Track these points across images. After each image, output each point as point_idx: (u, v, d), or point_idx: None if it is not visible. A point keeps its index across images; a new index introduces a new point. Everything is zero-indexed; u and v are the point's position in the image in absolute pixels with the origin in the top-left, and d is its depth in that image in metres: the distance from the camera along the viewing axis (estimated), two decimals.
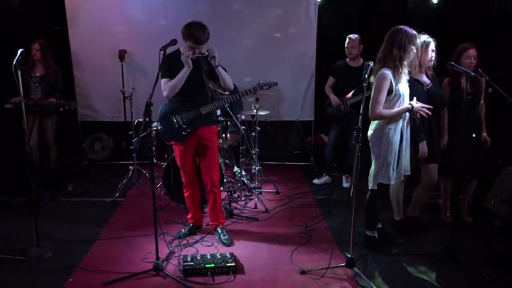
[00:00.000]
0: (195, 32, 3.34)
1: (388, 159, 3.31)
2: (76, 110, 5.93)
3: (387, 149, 3.30)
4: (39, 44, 4.85)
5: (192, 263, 3.21)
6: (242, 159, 4.80)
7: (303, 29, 5.93)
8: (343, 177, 5.31)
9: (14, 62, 3.24)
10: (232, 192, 4.58)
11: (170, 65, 3.44)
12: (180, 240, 3.71)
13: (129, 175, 5.01)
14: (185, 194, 3.81)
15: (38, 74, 4.94)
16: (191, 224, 3.88)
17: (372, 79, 3.28)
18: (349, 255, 3.21)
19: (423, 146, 3.48)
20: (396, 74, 3.21)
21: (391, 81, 3.19)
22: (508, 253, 3.48)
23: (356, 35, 4.89)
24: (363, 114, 3.08)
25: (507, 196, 3.59)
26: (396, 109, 3.23)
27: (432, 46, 3.50)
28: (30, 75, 4.92)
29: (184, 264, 3.21)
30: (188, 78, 3.44)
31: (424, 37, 3.48)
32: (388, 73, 3.19)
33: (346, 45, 4.93)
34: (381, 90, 3.20)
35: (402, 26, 3.21)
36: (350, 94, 4.85)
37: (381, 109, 3.21)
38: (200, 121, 3.56)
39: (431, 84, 3.53)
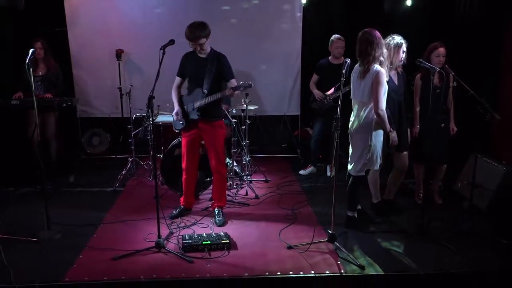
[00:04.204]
0: (186, 31, 3.77)
1: (378, 147, 3.70)
2: (75, 106, 6.22)
3: (377, 139, 3.68)
4: (41, 43, 5.02)
5: (190, 241, 3.56)
6: (233, 150, 5.16)
7: (289, 29, 6.31)
8: (327, 167, 5.71)
9: (27, 61, 3.56)
10: None
11: (182, 64, 3.98)
12: (179, 222, 4.08)
13: (128, 166, 5.35)
14: (183, 178, 4.19)
15: (40, 73, 5.13)
16: (182, 206, 4.25)
17: (359, 76, 3.64)
18: (330, 231, 3.61)
19: (393, 135, 3.87)
20: (385, 71, 3.60)
21: None
22: (472, 229, 3.87)
23: (341, 36, 5.27)
24: (341, 105, 3.48)
25: (471, 180, 4.00)
26: (387, 121, 3.62)
27: (404, 47, 3.89)
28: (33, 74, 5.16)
29: (183, 241, 3.56)
30: (194, 73, 3.90)
31: (398, 39, 3.87)
32: (382, 69, 3.56)
33: (333, 45, 5.26)
34: (384, 85, 3.54)
35: (371, 29, 3.60)
36: (332, 90, 5.23)
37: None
38: (194, 114, 3.93)
39: None
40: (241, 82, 3.87)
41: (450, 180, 4.81)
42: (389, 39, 3.84)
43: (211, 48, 3.94)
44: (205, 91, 3.87)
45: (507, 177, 4.22)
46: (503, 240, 3.71)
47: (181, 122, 4.01)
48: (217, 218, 4.09)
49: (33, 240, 3.65)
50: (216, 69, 3.88)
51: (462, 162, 4.76)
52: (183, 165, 4.14)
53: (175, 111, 4.03)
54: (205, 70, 3.87)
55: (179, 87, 4.08)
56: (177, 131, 4.17)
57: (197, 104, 3.90)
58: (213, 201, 4.27)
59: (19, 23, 5.58)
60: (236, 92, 3.85)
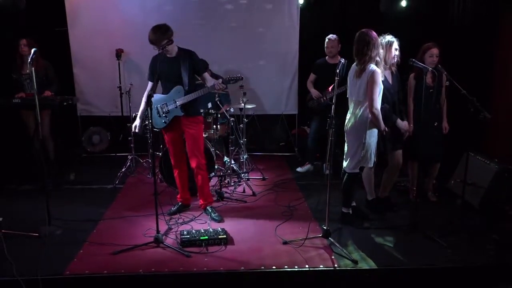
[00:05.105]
0: (149, 35, 3.85)
1: (372, 145, 3.79)
2: (76, 105, 6.30)
3: (371, 137, 3.77)
4: (26, 40, 5.05)
5: (188, 236, 3.65)
6: (231, 148, 5.24)
7: (287, 29, 6.39)
8: (324, 165, 5.79)
9: (29, 60, 3.65)
10: (223, 178, 5.03)
11: (152, 67, 4.01)
12: (177, 218, 4.16)
13: (128, 164, 5.43)
14: (174, 174, 4.30)
15: (28, 71, 5.10)
16: (180, 203, 4.35)
17: (355, 75, 3.73)
18: (325, 227, 3.69)
19: (400, 123, 4.00)
20: (381, 71, 3.69)
21: None
22: (463, 225, 3.97)
23: (334, 36, 5.36)
24: (337, 105, 3.56)
25: (463, 178, 4.09)
26: (381, 120, 3.69)
27: (395, 45, 3.97)
28: (20, 73, 5.18)
29: (181, 237, 3.65)
30: (168, 73, 3.94)
31: (388, 37, 3.96)
32: (378, 69, 3.65)
33: (325, 45, 5.38)
34: (379, 84, 3.63)
35: (368, 30, 3.69)
36: (329, 89, 5.32)
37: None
38: (178, 111, 4.01)
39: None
40: (228, 77, 4.01)
41: (444, 178, 4.90)
42: (380, 38, 3.92)
43: (178, 47, 4.00)
44: (186, 88, 3.96)
45: (498, 175, 4.30)
46: (495, 236, 3.78)
47: (163, 121, 4.06)
48: (213, 215, 4.16)
49: (35, 235, 3.73)
50: (190, 65, 3.97)
51: (456, 160, 4.85)
52: (173, 162, 4.24)
53: (138, 124, 4.10)
54: (179, 69, 3.94)
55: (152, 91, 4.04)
56: (157, 130, 4.18)
57: (181, 101, 3.97)
58: (202, 202, 4.27)
59: (20, 22, 5.65)
60: (224, 85, 3.96)
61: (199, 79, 4.19)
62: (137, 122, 4.15)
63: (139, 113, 4.17)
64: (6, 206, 4.44)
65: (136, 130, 4.14)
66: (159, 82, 4.09)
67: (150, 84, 4.07)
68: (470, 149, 4.29)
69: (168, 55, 3.95)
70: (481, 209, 4.34)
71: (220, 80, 3.96)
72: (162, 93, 4.08)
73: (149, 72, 4.09)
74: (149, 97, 3.45)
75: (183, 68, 3.94)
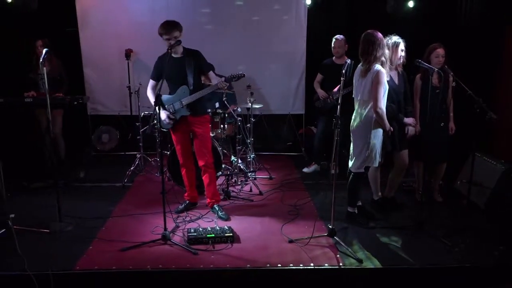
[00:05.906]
0: (159, 28, 3.90)
1: (377, 145, 3.82)
2: (86, 104, 6.40)
3: (376, 137, 3.80)
4: (42, 41, 5.15)
5: (195, 234, 3.70)
6: (238, 147, 5.29)
7: (294, 30, 6.44)
8: (330, 165, 5.81)
9: (41, 60, 3.74)
10: (230, 177, 5.08)
11: (157, 66, 4.07)
12: (184, 216, 4.22)
13: (136, 162, 5.51)
14: (182, 173, 4.35)
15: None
16: (187, 201, 4.40)
17: (360, 75, 3.76)
18: (330, 226, 3.73)
19: (406, 119, 4.07)
20: (386, 71, 3.73)
21: None
22: (469, 225, 3.99)
23: (341, 36, 5.39)
24: (343, 105, 3.60)
25: (469, 178, 4.10)
26: (386, 119, 3.74)
27: (402, 46, 4.00)
28: (37, 73, 5.26)
29: (188, 234, 3.71)
30: (173, 73, 4.00)
31: (395, 38, 3.99)
32: (383, 69, 3.68)
33: (332, 45, 5.41)
34: (383, 84, 3.67)
35: (373, 30, 3.72)
36: (336, 89, 5.35)
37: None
38: (184, 111, 4.06)
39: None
40: (230, 74, 4.05)
41: (450, 179, 4.91)
42: (386, 38, 3.95)
43: (183, 47, 4.03)
44: (191, 88, 4.01)
45: (505, 175, 4.30)
46: (500, 236, 3.80)
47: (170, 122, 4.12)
48: (220, 213, 4.22)
49: (46, 231, 3.82)
50: (195, 65, 4.01)
51: (462, 161, 4.86)
52: (180, 160, 4.29)
53: (166, 115, 4.06)
54: (184, 68, 3.98)
55: (154, 89, 4.10)
56: (165, 130, 4.23)
57: (186, 100, 4.01)
58: (209, 200, 4.31)
59: (32, 23, 5.73)
60: (227, 83, 4.01)
61: (205, 80, 4.25)
62: (162, 116, 4.07)
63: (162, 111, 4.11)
64: (18, 203, 4.50)
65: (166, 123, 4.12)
66: (166, 83, 4.12)
67: (151, 82, 4.14)
68: (476, 150, 4.30)
69: (173, 55, 3.99)
70: (487, 209, 4.34)
71: (223, 79, 4.01)
72: (169, 94, 4.13)
73: (153, 70, 4.12)
74: (158, 96, 3.51)
75: (188, 68, 3.99)
